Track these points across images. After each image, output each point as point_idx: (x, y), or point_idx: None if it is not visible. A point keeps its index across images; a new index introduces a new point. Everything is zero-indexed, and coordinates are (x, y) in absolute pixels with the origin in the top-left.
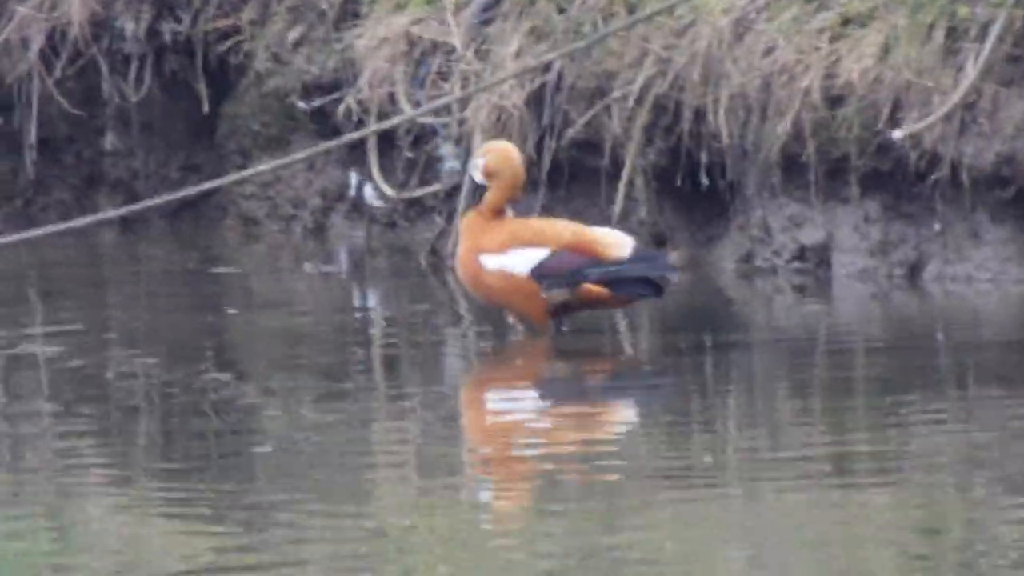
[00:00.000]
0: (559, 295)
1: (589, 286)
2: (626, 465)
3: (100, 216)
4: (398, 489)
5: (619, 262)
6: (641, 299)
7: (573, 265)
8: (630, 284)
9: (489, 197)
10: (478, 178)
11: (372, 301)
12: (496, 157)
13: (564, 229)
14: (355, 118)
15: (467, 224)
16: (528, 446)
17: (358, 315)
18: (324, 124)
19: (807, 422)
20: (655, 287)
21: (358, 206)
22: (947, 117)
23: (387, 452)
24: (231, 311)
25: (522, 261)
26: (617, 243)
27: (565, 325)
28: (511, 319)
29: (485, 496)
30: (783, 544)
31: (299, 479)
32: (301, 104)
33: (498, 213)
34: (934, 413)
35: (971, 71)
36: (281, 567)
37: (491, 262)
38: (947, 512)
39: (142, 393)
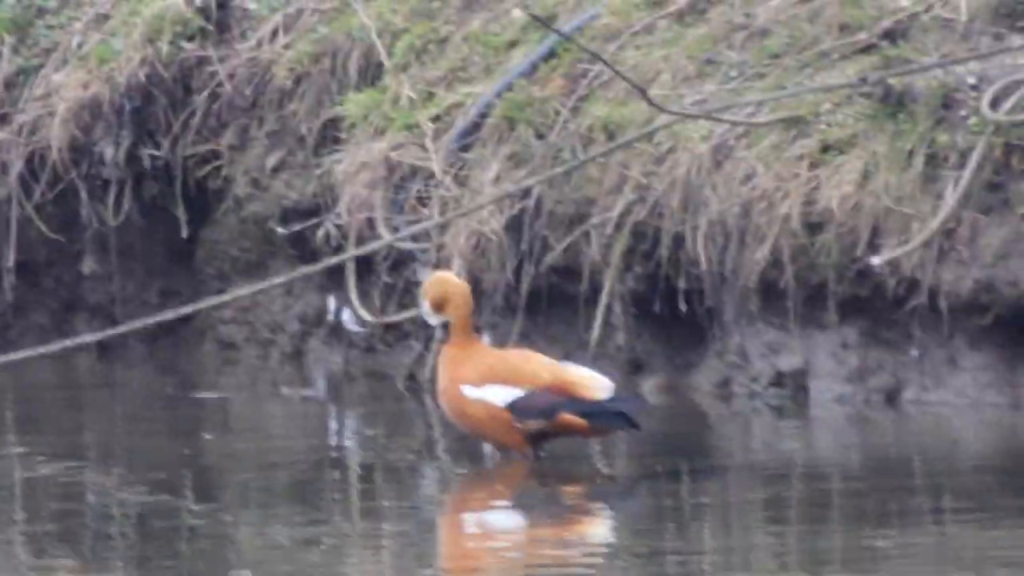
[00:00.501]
0: (535, 424)
1: (565, 416)
2: None
3: (78, 340)
4: None
5: (596, 403)
6: (618, 430)
7: (549, 404)
8: (606, 417)
9: (453, 327)
10: (433, 319)
11: (349, 426)
12: (436, 289)
13: (543, 369)
14: (334, 243)
15: (445, 356)
16: (503, 570)
17: (335, 440)
18: (303, 249)
19: (781, 545)
20: (631, 420)
21: (336, 331)
22: (926, 244)
23: None
24: (208, 436)
25: (499, 395)
26: (596, 386)
27: (543, 451)
28: (489, 448)
29: None
30: None
31: None
32: (280, 229)
33: (469, 337)
34: (910, 537)
35: (950, 198)
36: None
37: (471, 392)
38: None
39: (118, 518)
